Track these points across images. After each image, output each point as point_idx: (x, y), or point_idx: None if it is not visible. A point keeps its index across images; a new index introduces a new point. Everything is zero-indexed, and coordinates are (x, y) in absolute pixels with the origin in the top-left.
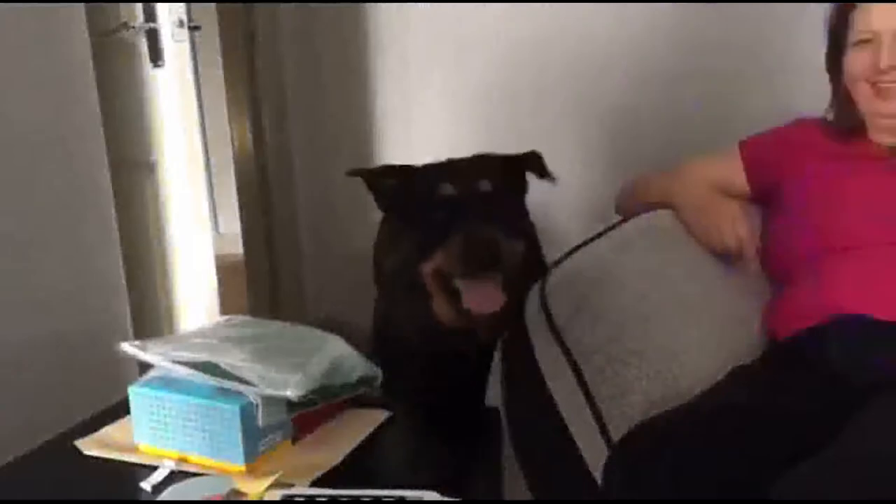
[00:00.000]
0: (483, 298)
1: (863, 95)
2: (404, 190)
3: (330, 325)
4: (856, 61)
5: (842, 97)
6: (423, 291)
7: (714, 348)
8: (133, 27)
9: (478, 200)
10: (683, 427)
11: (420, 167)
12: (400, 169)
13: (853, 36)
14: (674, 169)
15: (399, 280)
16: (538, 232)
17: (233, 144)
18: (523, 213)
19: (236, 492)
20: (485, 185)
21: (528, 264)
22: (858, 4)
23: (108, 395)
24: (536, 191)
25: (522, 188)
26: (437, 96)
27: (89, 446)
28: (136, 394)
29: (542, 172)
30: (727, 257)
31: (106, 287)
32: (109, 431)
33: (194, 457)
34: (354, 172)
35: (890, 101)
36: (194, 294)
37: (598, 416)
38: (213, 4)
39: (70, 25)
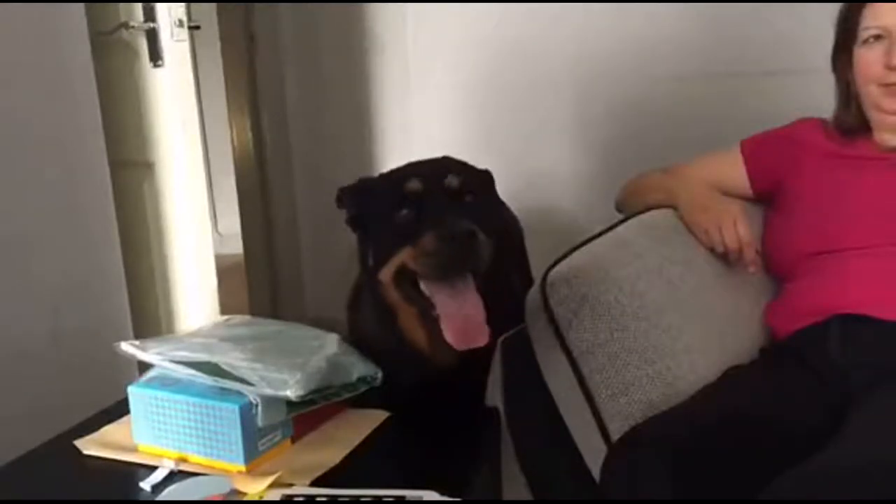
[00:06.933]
0: (467, 331)
1: (872, 92)
2: (367, 200)
3: (321, 326)
4: (866, 58)
5: (845, 97)
6: (390, 312)
7: (714, 348)
8: (133, 27)
9: (445, 196)
10: (682, 427)
11: (380, 175)
12: (360, 184)
13: (863, 34)
14: (675, 168)
15: (366, 297)
16: (532, 234)
17: (233, 144)
18: (494, 209)
19: (236, 492)
20: (452, 181)
21: (501, 264)
22: (868, 3)
23: (108, 395)
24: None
25: (489, 187)
26: (437, 96)
27: (89, 446)
28: (136, 394)
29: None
30: (728, 257)
31: (106, 287)
32: (109, 431)
33: (194, 457)
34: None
35: None
36: (194, 294)
37: (597, 416)
38: (213, 4)
39: (70, 25)
